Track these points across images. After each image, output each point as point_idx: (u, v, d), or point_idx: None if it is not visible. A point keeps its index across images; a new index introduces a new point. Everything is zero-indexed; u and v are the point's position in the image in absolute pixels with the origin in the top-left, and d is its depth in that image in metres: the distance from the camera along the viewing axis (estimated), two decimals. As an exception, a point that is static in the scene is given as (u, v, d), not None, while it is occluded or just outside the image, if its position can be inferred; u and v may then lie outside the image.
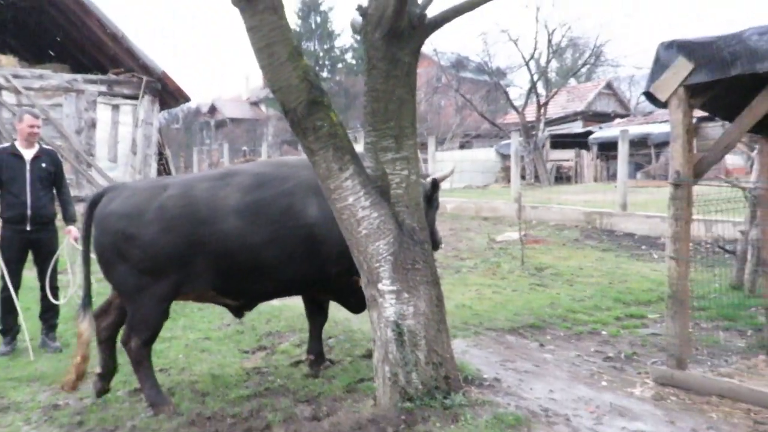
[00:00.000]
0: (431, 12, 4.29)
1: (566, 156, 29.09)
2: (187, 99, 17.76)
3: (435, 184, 5.16)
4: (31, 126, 6.32)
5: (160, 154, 17.57)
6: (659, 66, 4.63)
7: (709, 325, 6.20)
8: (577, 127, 34.34)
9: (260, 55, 4.03)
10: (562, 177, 28.10)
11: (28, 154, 6.32)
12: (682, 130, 4.52)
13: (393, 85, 4.24)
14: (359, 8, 4.24)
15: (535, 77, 27.16)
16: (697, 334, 5.94)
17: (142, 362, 4.52)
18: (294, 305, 7.34)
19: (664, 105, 4.74)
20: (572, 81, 35.70)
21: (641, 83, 49.03)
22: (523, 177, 17.58)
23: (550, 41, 26.38)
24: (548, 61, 27.88)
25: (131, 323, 4.52)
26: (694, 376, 4.49)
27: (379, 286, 4.22)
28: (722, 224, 9.16)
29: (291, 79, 4.01)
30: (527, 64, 26.59)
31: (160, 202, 4.49)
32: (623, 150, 11.79)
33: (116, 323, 4.82)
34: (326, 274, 4.75)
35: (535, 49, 26.35)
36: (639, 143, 26.85)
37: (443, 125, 36.05)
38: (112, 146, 16.43)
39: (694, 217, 4.70)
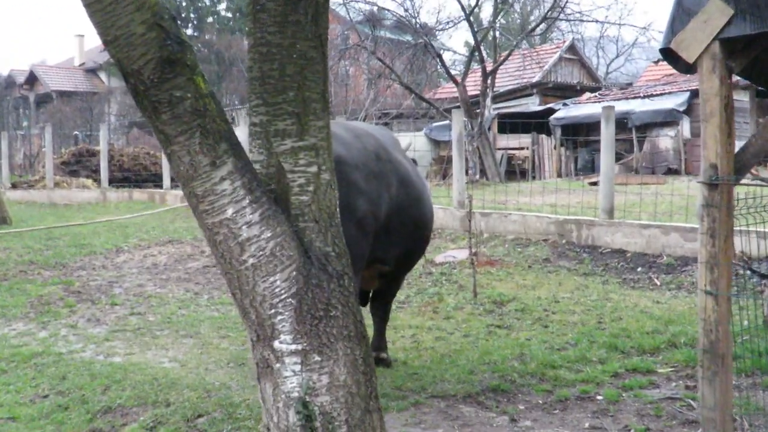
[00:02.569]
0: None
1: (519, 142, 29.25)
2: None
3: None
4: None
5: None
6: (682, 11, 4.30)
7: (745, 382, 5.94)
8: (532, 104, 34.69)
9: (85, -13, 3.55)
10: (514, 170, 28.24)
11: None
12: (719, 104, 4.19)
13: (293, 35, 3.85)
14: None
15: (479, 36, 27.05)
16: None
17: None
18: (142, 363, 7.01)
19: (688, 69, 4.41)
20: (525, 46, 36.00)
21: (609, 48, 50.42)
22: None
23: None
24: (497, 14, 27.84)
25: None
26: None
27: (275, 344, 3.81)
28: (745, 235, 9.10)
29: (133, 25, 3.56)
30: (468, 17, 26.46)
31: None
32: (608, 134, 11.64)
33: None
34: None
35: (477, -1, 26.24)
36: (616, 125, 27.21)
37: (351, 102, 35.83)
38: None
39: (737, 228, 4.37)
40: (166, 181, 21.15)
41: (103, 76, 59.14)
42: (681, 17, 4.31)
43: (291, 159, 3.88)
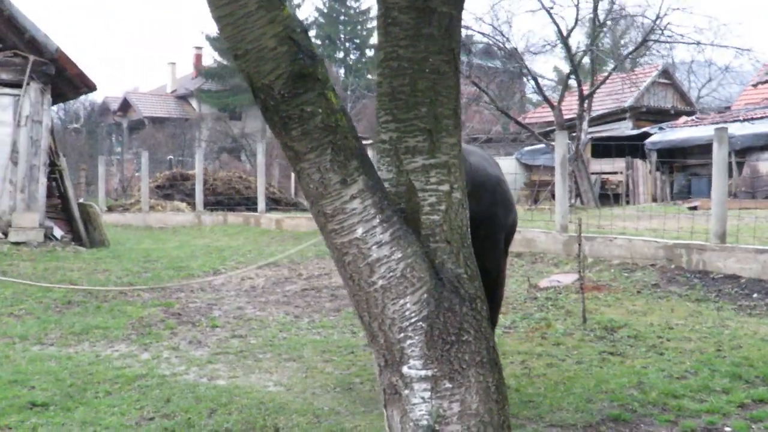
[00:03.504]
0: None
1: (614, 167, 28.78)
2: (91, 88, 17.43)
3: None
4: None
5: (53, 165, 17.09)
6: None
7: None
8: (625, 128, 34.18)
9: (216, 1, 3.48)
10: (608, 195, 27.78)
11: None
12: None
13: (425, 49, 3.76)
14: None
15: (576, 59, 26.70)
16: None
17: None
18: (247, 387, 6.91)
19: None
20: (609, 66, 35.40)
21: (700, 72, 49.43)
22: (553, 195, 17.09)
23: (596, 7, 25.93)
24: (595, 36, 27.44)
25: None
26: None
27: (404, 369, 3.69)
28: None
29: (264, 39, 3.50)
30: (565, 41, 26.16)
31: None
32: (720, 156, 11.26)
33: None
34: None
35: (576, 20, 25.84)
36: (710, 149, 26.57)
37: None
38: (-18, 155, 15.93)
39: None
40: (261, 204, 21.25)
41: (194, 102, 60.15)
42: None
43: (422, 177, 3.78)
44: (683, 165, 28.21)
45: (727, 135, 11.34)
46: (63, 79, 16.57)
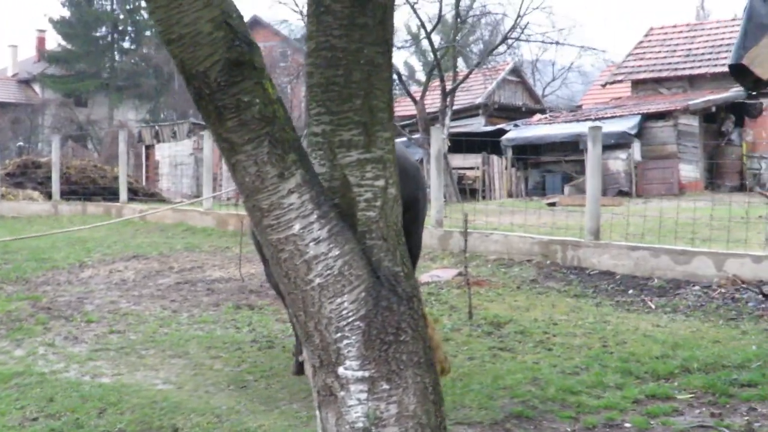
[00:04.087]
0: None
1: (470, 162, 29.19)
2: None
3: None
4: None
5: None
6: (754, 26, 4.13)
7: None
8: (478, 124, 34.76)
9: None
10: (464, 189, 28.16)
11: None
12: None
13: (360, 39, 3.64)
14: None
15: (440, 54, 27.00)
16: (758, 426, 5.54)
17: None
18: (134, 385, 6.67)
19: (756, 86, 4.27)
20: (461, 64, 35.89)
21: (546, 70, 50.69)
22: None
23: (457, 4, 26.29)
24: (456, 32, 27.81)
25: None
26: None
27: (340, 370, 3.57)
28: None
29: (200, 23, 3.32)
30: (429, 35, 26.42)
31: None
32: (594, 154, 11.47)
33: None
34: None
35: (440, 16, 26.13)
36: (567, 146, 27.37)
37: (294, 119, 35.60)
38: None
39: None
40: (123, 194, 20.57)
41: (37, 87, 58.02)
42: (753, 32, 4.15)
43: (357, 172, 3.66)
44: (537, 162, 28.89)
45: (600, 133, 11.58)
46: None
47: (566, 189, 26.13)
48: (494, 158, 28.97)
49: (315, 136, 3.69)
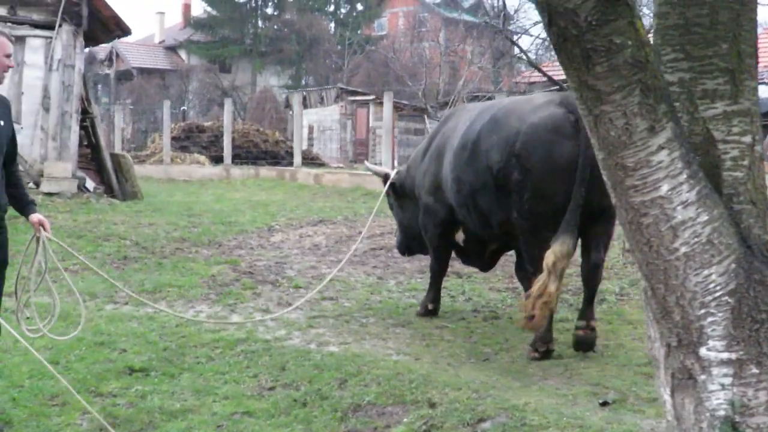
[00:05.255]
0: None
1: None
2: (125, 31, 16.85)
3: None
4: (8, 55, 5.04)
5: (84, 112, 16.39)
6: None
7: None
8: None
9: None
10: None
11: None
12: None
13: None
14: None
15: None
16: None
17: None
18: (367, 355, 6.42)
19: None
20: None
21: None
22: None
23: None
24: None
25: None
26: None
27: (703, 351, 3.17)
28: None
29: None
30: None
31: None
32: None
33: None
34: None
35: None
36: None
37: (430, 85, 35.21)
38: (13, 99, 15.12)
39: None
40: (297, 158, 20.58)
41: (182, 53, 59.25)
42: None
43: (723, 126, 3.24)
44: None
45: None
46: (96, 21, 15.82)
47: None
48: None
49: (670, 86, 3.29)
